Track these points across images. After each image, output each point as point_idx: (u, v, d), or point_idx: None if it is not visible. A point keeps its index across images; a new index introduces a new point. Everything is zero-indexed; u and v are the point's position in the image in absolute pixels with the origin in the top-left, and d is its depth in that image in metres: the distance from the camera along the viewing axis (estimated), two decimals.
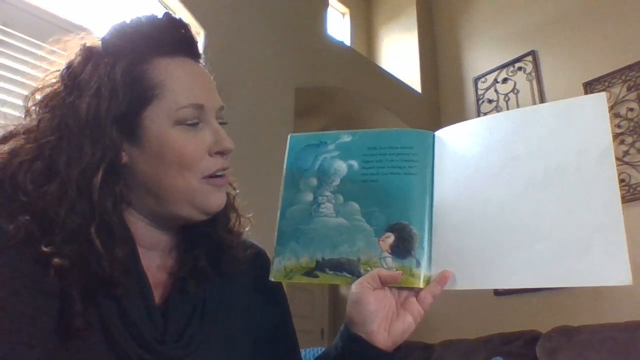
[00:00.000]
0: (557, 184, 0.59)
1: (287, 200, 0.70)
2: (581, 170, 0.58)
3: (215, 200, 0.62)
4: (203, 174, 0.60)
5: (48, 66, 0.63)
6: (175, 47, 0.62)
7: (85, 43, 0.61)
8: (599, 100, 0.59)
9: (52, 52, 0.64)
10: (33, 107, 0.60)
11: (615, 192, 0.56)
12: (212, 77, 0.66)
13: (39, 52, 1.77)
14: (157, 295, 0.61)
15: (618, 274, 0.53)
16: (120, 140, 0.57)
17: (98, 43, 0.61)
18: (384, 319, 0.62)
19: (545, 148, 0.61)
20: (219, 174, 0.62)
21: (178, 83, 0.60)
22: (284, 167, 0.72)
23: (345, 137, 0.71)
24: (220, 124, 0.64)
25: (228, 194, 0.69)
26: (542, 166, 0.60)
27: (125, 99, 0.57)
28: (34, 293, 0.51)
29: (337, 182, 0.69)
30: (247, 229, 0.73)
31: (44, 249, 0.51)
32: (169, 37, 0.61)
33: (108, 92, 0.57)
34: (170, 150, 0.58)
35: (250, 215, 0.73)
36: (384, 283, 0.62)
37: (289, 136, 0.74)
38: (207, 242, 0.66)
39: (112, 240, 0.55)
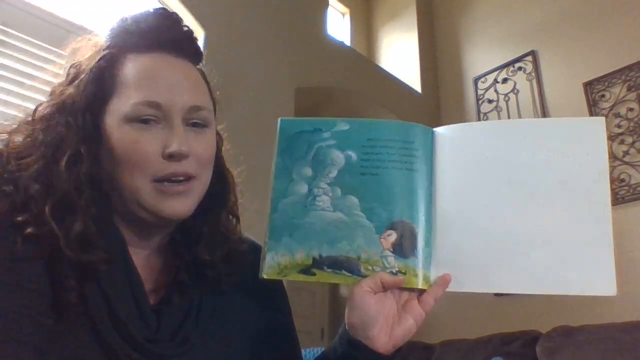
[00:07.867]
0: (556, 198, 0.62)
1: (278, 191, 0.65)
2: (578, 188, 0.62)
3: (169, 208, 0.58)
4: (152, 176, 0.58)
5: (57, 69, 0.66)
6: (155, 42, 0.62)
7: (97, 42, 0.64)
8: (598, 124, 0.64)
9: (70, 53, 0.66)
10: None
11: (607, 211, 0.61)
12: (210, 76, 0.66)
13: (39, 52, 1.78)
14: (152, 295, 0.61)
15: (604, 285, 0.60)
16: (91, 133, 0.59)
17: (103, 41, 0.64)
18: (384, 323, 0.61)
19: (548, 162, 0.63)
20: (173, 179, 0.58)
21: (138, 79, 0.59)
22: (274, 153, 0.66)
23: (342, 125, 0.66)
24: (195, 124, 0.61)
25: (227, 200, 0.69)
26: (544, 178, 0.63)
27: (92, 92, 0.59)
28: (18, 289, 0.51)
29: (333, 173, 0.64)
30: (244, 235, 0.73)
31: (18, 218, 0.53)
32: (150, 33, 0.62)
33: (83, 85, 0.59)
34: (118, 146, 0.57)
35: (246, 216, 0.73)
36: (387, 288, 0.61)
37: (279, 119, 0.68)
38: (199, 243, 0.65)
39: (73, 219, 0.55)
